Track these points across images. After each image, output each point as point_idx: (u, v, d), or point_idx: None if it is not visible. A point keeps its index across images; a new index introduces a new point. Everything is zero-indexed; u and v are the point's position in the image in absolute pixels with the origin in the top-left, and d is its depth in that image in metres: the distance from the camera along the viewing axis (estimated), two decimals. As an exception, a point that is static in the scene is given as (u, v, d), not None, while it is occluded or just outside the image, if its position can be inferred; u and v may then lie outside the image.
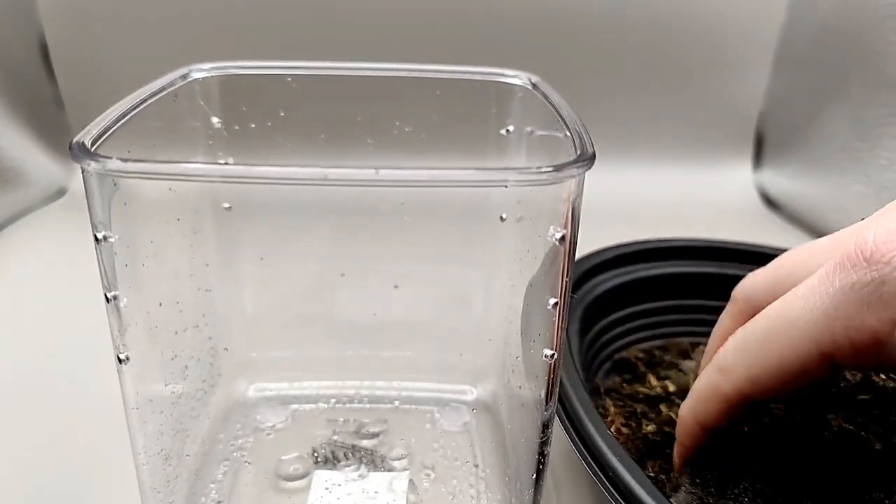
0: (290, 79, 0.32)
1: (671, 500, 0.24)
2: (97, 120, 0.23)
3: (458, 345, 0.35)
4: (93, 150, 0.21)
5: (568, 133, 0.24)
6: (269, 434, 0.33)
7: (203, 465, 0.30)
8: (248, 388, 0.34)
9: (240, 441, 0.32)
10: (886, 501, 0.25)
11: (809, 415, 0.29)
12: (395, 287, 0.34)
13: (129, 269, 0.23)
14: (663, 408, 0.32)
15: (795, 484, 0.26)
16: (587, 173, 0.21)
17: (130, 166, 0.20)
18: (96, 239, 0.21)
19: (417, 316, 0.35)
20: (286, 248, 0.34)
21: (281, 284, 0.34)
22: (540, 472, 0.26)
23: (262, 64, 0.31)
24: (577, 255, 0.30)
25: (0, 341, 0.40)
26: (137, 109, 0.25)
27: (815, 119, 0.59)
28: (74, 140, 0.21)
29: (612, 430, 0.28)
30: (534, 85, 0.30)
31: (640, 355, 0.36)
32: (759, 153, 0.65)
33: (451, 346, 0.35)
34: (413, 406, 0.35)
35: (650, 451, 0.30)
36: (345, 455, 0.32)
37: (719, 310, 0.30)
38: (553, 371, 0.24)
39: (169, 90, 0.28)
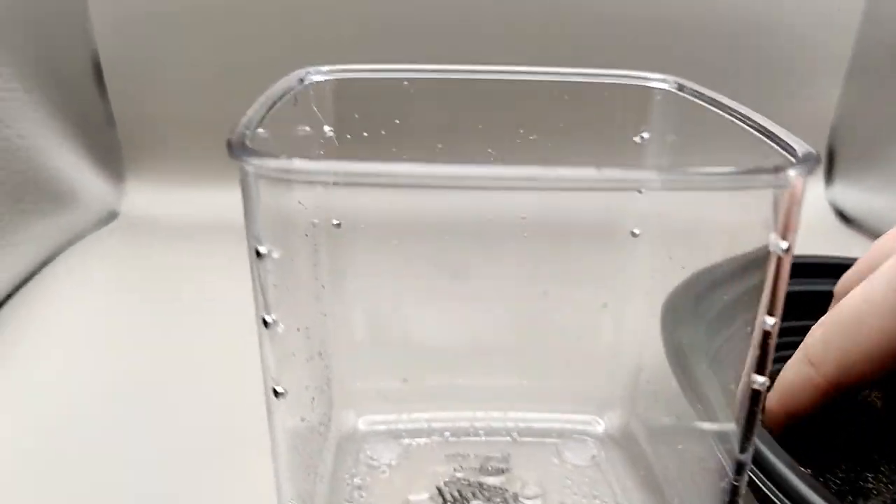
0: (406, 83, 0.29)
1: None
2: (241, 123, 0.20)
3: (581, 372, 0.32)
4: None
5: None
6: (384, 472, 0.30)
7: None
8: (358, 420, 0.31)
9: (356, 479, 0.29)
10: None
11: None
12: (511, 309, 0.31)
13: (277, 290, 0.20)
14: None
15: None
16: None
17: (310, 165, 0.17)
18: (258, 254, 0.19)
19: (536, 341, 0.32)
20: (395, 269, 0.31)
21: (387, 307, 0.31)
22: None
23: (377, 67, 0.29)
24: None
25: (66, 372, 0.37)
26: (270, 111, 0.23)
27: (889, 132, 0.57)
28: (233, 139, 0.18)
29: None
30: (679, 86, 0.27)
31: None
32: (831, 167, 0.62)
33: (572, 374, 0.32)
34: (533, 438, 0.32)
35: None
36: (473, 494, 0.29)
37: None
38: (756, 401, 0.21)
39: (290, 94, 0.26)
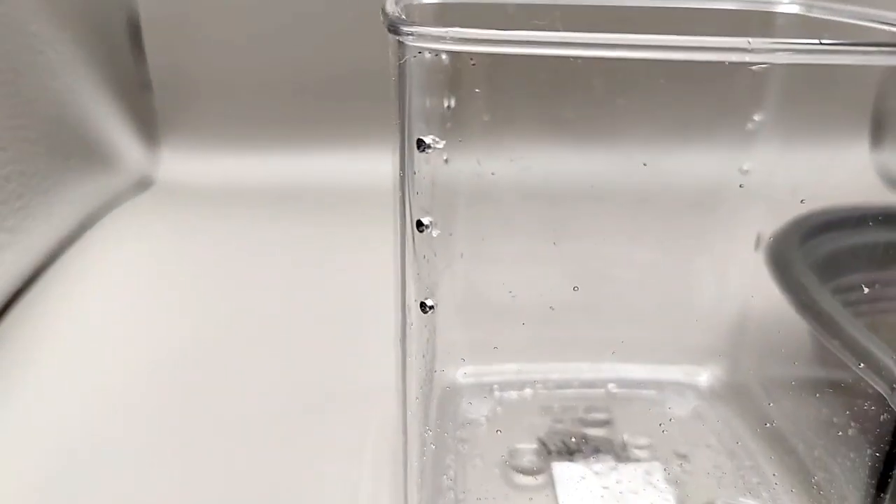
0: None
1: None
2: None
3: (681, 323, 0.31)
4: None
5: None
6: (482, 424, 0.28)
7: (433, 459, 0.25)
8: (456, 372, 0.29)
9: (457, 432, 0.27)
10: None
11: None
12: (611, 262, 0.30)
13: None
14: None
15: None
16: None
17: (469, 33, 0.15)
18: (419, 225, 0.17)
19: (635, 292, 0.30)
20: (499, 228, 0.29)
21: (488, 263, 0.30)
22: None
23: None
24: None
25: (108, 340, 0.35)
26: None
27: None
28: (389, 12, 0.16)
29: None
30: (807, 6, 0.25)
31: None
32: (879, 132, 0.61)
33: (671, 325, 0.30)
34: (631, 390, 0.30)
35: None
36: (578, 446, 0.27)
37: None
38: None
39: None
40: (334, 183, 0.51)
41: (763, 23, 0.27)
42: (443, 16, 0.27)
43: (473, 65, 0.19)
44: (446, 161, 0.27)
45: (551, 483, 0.26)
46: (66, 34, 0.44)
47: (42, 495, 0.26)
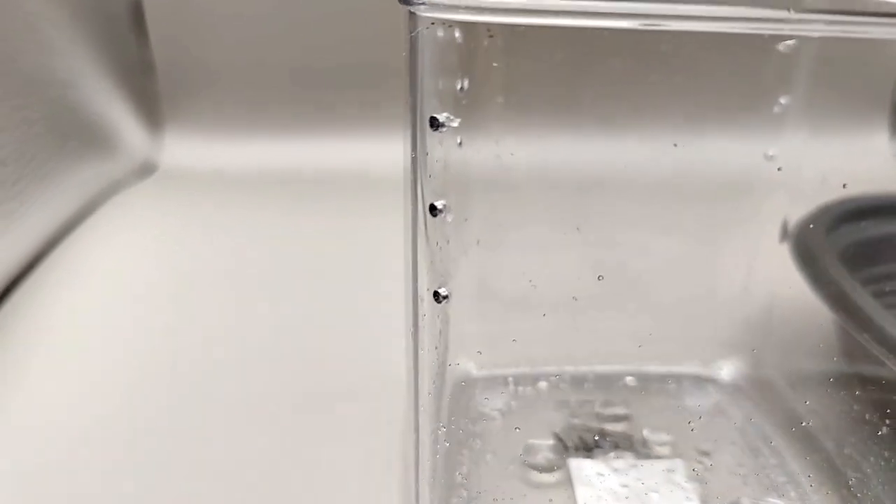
0: None
1: None
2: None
3: (701, 316, 0.29)
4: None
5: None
6: (495, 419, 0.27)
7: (447, 452, 0.24)
8: (469, 364, 0.28)
9: (470, 427, 0.26)
10: None
11: None
12: (628, 250, 0.29)
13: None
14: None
15: None
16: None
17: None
18: (433, 209, 0.15)
19: (650, 282, 0.29)
20: (508, 210, 0.28)
21: (503, 254, 0.29)
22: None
23: None
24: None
25: (109, 327, 0.34)
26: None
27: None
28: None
29: None
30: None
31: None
32: (899, 120, 0.59)
33: (691, 318, 0.29)
34: (648, 383, 0.29)
35: None
36: (596, 442, 0.26)
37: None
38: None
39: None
40: (342, 169, 0.50)
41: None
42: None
43: (491, 36, 0.18)
44: (460, 144, 0.26)
45: (569, 480, 0.24)
46: (65, 13, 0.43)
47: (43, 480, 0.25)
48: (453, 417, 0.26)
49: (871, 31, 0.18)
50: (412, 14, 0.15)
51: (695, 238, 0.29)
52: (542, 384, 0.29)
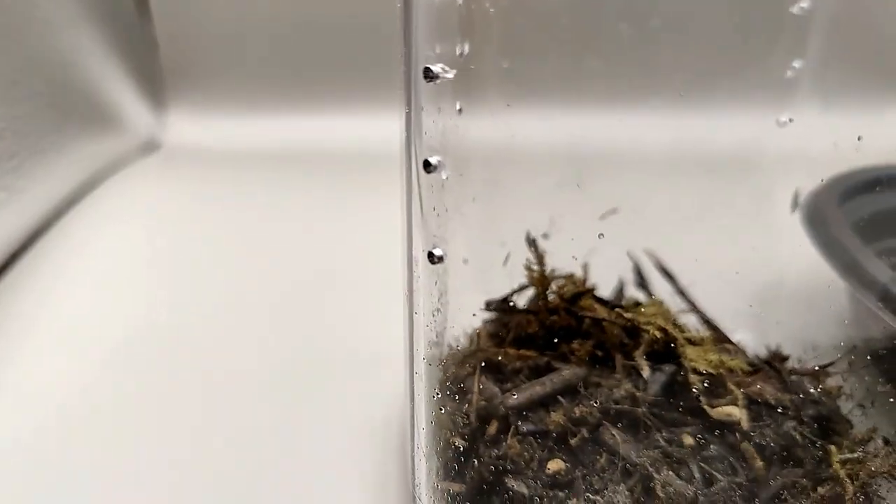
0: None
1: None
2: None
3: (710, 284, 0.29)
4: None
5: None
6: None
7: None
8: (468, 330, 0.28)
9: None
10: None
11: None
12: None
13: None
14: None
15: None
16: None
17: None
18: (427, 165, 0.15)
19: (656, 251, 0.29)
20: (506, 167, 0.27)
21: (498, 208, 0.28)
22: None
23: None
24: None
25: (109, 302, 0.34)
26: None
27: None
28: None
29: None
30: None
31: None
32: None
33: (699, 285, 0.29)
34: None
35: None
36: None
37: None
38: None
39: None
40: (345, 145, 0.49)
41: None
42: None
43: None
44: (460, 111, 0.25)
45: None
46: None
47: (50, 443, 0.24)
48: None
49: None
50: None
51: (704, 205, 0.28)
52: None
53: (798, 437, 0.21)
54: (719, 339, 0.26)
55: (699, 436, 0.20)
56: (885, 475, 0.19)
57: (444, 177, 0.15)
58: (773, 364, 0.24)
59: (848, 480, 0.20)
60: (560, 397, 0.21)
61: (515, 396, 0.21)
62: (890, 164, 0.32)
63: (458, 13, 0.21)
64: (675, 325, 0.26)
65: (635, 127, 0.26)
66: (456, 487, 0.20)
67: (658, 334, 0.22)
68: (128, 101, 0.49)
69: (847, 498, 0.20)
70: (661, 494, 0.18)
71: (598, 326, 0.24)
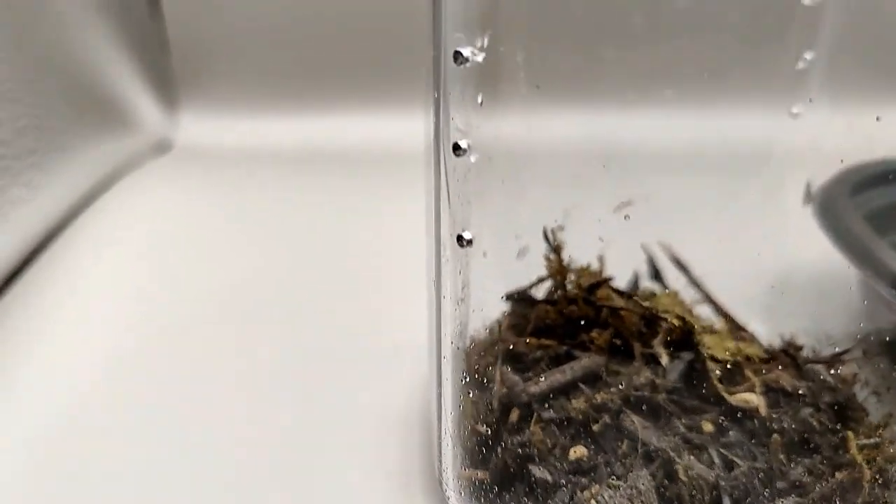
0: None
1: None
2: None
3: (720, 276, 0.29)
4: None
5: None
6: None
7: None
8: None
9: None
10: None
11: None
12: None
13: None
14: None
15: None
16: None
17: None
18: (457, 148, 0.15)
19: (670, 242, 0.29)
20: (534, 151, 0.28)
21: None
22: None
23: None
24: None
25: (125, 304, 0.34)
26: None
27: None
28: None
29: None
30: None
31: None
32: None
33: (710, 278, 0.29)
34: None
35: None
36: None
37: None
38: None
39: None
40: (358, 144, 0.49)
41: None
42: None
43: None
44: (481, 104, 0.25)
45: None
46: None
47: (64, 442, 0.25)
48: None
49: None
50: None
51: (716, 197, 0.28)
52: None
53: (815, 423, 0.21)
54: (734, 328, 0.26)
55: (719, 421, 0.20)
56: (903, 459, 0.19)
57: (472, 160, 0.16)
58: (788, 352, 0.25)
59: (865, 465, 0.20)
60: (581, 385, 0.21)
61: (537, 384, 0.21)
62: (901, 157, 0.32)
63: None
64: (691, 314, 0.26)
65: (647, 118, 0.27)
66: (480, 475, 0.21)
67: (677, 322, 0.22)
68: (140, 101, 0.49)
69: (865, 482, 0.20)
70: (683, 478, 0.19)
71: (616, 316, 0.24)
